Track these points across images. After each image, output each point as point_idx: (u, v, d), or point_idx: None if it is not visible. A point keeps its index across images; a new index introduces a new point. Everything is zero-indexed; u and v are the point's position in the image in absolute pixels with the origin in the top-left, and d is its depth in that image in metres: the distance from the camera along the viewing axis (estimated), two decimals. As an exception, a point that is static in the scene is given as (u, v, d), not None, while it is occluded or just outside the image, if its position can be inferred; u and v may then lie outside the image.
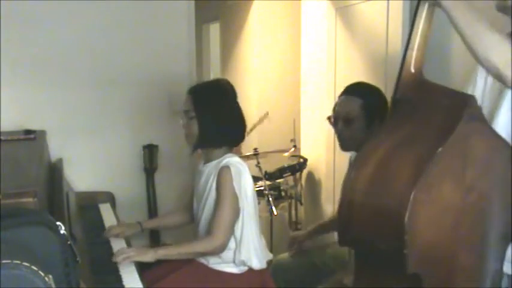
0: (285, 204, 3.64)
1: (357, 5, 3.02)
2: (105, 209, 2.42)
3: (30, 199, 1.22)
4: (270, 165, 3.57)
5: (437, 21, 1.43)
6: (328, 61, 3.34)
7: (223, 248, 1.86)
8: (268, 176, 3.44)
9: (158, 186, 2.84)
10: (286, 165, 3.57)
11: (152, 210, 2.82)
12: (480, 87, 1.57)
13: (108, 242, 2.00)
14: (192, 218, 2.13)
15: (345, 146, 2.05)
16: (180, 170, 2.89)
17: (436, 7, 1.41)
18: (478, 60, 1.33)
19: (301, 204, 3.72)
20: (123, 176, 2.79)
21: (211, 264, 1.93)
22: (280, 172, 3.52)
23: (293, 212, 3.73)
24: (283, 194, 3.47)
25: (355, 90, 2.02)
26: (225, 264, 1.93)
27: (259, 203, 2.46)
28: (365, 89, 2.04)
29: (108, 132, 2.75)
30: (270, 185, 3.34)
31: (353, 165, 1.44)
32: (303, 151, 3.78)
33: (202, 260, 1.95)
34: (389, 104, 1.56)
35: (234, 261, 1.91)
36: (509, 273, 1.49)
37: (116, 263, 1.77)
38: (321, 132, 3.51)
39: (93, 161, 2.72)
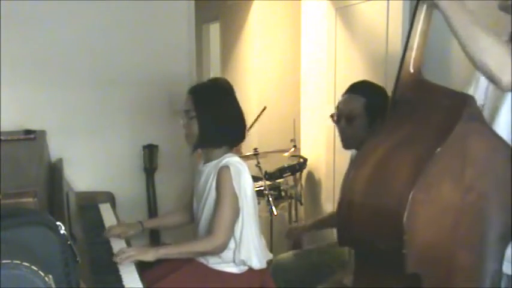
0: (285, 204, 3.63)
1: (357, 5, 3.02)
2: (105, 209, 2.42)
3: (30, 199, 1.22)
4: (270, 165, 3.56)
5: (437, 22, 1.43)
6: (328, 61, 3.34)
7: (223, 247, 1.87)
8: (268, 176, 3.44)
9: (158, 186, 2.85)
10: (286, 165, 3.57)
11: (152, 210, 2.82)
12: (483, 87, 1.57)
13: (108, 242, 2.01)
14: (192, 218, 2.13)
15: (346, 144, 2.06)
16: (180, 170, 2.89)
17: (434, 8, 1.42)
18: (472, 61, 1.34)
19: (301, 204, 3.72)
20: (123, 176, 2.79)
21: (211, 264, 1.94)
22: (280, 172, 3.52)
23: (293, 212, 3.72)
24: (283, 194, 3.47)
25: (358, 89, 2.02)
26: (225, 264, 1.93)
27: (259, 203, 2.47)
28: (369, 87, 2.04)
29: (108, 132, 2.75)
30: (270, 185, 3.34)
31: (352, 165, 1.45)
32: (303, 151, 3.78)
33: (202, 260, 1.95)
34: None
35: (234, 261, 1.91)
36: (509, 273, 1.49)
37: (116, 263, 1.77)
38: (321, 132, 3.51)
39: (93, 161, 2.72)
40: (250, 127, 3.51)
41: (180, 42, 2.87)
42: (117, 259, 1.77)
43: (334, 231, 1.48)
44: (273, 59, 4.59)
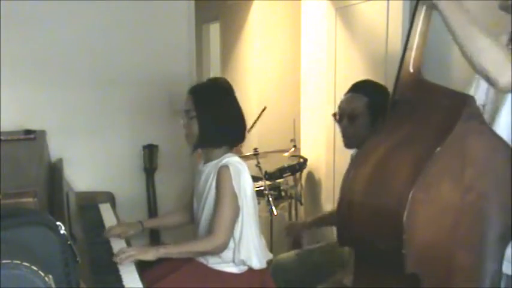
0: (285, 204, 3.63)
1: (357, 5, 3.02)
2: (105, 209, 2.42)
3: (30, 199, 1.22)
4: (270, 165, 3.57)
5: (437, 23, 1.43)
6: (328, 61, 3.34)
7: (224, 247, 1.87)
8: (268, 176, 3.44)
9: (158, 186, 2.84)
10: (286, 165, 3.57)
11: (152, 210, 2.82)
12: (484, 87, 1.57)
13: (108, 242, 2.00)
14: (192, 218, 2.13)
15: (348, 143, 2.06)
16: (180, 170, 2.89)
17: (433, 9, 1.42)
18: (469, 62, 1.34)
19: (301, 204, 3.72)
20: (123, 176, 2.79)
21: (210, 264, 1.94)
22: (280, 172, 3.52)
23: (293, 212, 3.73)
24: (283, 194, 3.47)
25: (361, 88, 2.02)
26: (225, 264, 1.93)
27: (259, 203, 2.46)
28: (371, 87, 2.04)
29: (108, 132, 2.75)
30: (270, 185, 3.34)
31: (352, 164, 1.45)
32: (303, 151, 3.78)
33: (202, 260, 1.95)
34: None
35: (233, 261, 1.91)
36: (509, 273, 1.49)
37: (116, 263, 1.77)
38: (321, 132, 3.51)
39: (93, 161, 2.72)
40: (251, 128, 3.51)
41: (180, 42, 2.87)
42: (117, 259, 1.77)
43: (335, 230, 1.48)
44: (273, 59, 4.59)
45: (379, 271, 1.42)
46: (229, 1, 4.95)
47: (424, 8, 1.43)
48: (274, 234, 3.27)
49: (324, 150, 3.47)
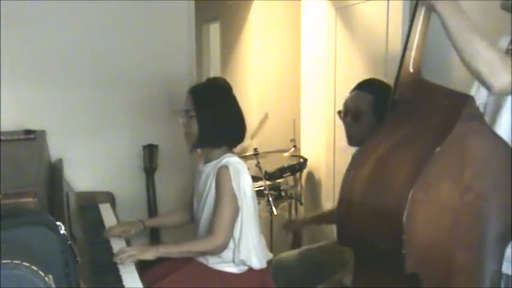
0: (285, 204, 3.63)
1: (357, 5, 3.02)
2: (105, 209, 2.43)
3: (30, 199, 1.22)
4: (270, 165, 3.57)
5: (437, 23, 1.43)
6: (328, 61, 3.34)
7: (224, 247, 1.87)
8: (268, 176, 3.44)
9: (158, 186, 2.85)
10: (286, 165, 3.57)
11: (152, 210, 2.82)
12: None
13: (108, 242, 2.01)
14: (192, 218, 2.13)
15: (352, 141, 2.06)
16: (180, 170, 2.89)
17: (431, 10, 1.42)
18: (465, 64, 1.34)
19: (301, 204, 3.72)
20: (123, 176, 2.79)
21: (210, 264, 1.94)
22: (280, 172, 3.52)
23: (293, 212, 3.73)
24: (283, 194, 3.47)
25: (366, 86, 2.02)
26: (225, 264, 1.93)
27: (259, 203, 2.47)
28: (377, 85, 2.04)
29: (108, 132, 2.75)
30: (270, 185, 3.34)
31: (352, 164, 1.45)
32: (303, 151, 3.78)
33: (202, 260, 1.95)
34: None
35: (233, 261, 1.91)
36: (509, 273, 1.49)
37: (116, 263, 1.77)
38: (321, 132, 3.51)
39: (93, 161, 2.72)
40: (253, 136, 3.52)
41: (180, 42, 2.87)
42: (118, 259, 1.77)
43: (335, 229, 1.48)
44: (273, 59, 4.58)
45: (378, 271, 1.42)
46: (229, 1, 4.95)
47: (424, 8, 1.44)
48: (274, 234, 3.27)
49: (324, 150, 3.47)
